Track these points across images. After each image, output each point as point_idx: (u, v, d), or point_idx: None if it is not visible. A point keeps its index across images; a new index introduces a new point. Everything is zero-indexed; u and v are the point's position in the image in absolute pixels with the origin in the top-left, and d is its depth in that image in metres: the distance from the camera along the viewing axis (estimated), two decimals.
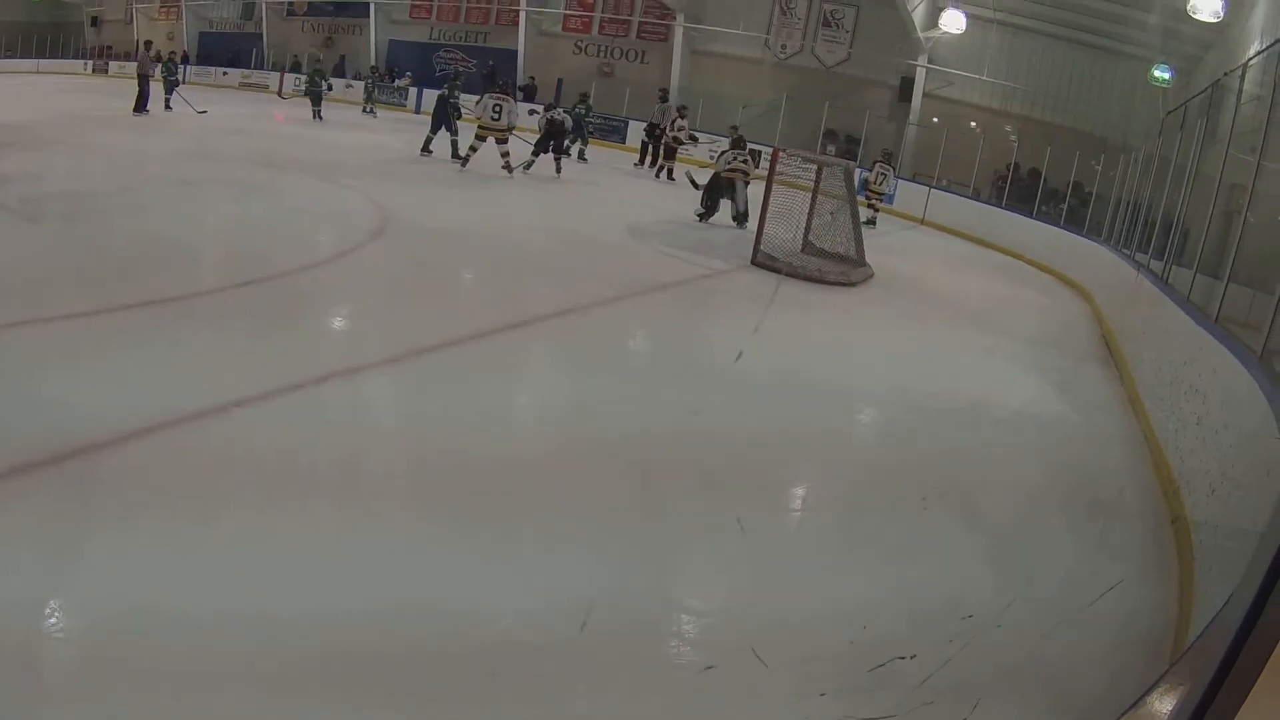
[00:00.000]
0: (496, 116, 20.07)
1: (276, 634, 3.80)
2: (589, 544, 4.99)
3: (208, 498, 4.78)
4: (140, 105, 26.15)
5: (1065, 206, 24.84)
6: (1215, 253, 8.86)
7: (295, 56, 45.81)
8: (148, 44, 32.33)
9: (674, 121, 25.94)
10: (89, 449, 5.01)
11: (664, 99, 29.48)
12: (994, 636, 4.73)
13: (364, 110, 35.56)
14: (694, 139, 26.56)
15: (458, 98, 22.31)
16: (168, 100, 28.42)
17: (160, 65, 29.67)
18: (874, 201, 24.55)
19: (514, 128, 20.32)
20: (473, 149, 20.42)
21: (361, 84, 38.04)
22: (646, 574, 4.83)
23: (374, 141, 23.11)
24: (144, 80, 26.98)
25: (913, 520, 6.01)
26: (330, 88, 32.23)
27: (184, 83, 29.86)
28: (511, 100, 20.51)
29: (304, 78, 30.33)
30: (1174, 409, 7.91)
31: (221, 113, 27.63)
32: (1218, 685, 1.76)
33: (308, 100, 30.76)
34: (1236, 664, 1.76)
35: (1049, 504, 6.92)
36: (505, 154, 20.23)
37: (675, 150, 26.14)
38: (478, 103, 20.56)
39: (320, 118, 29.52)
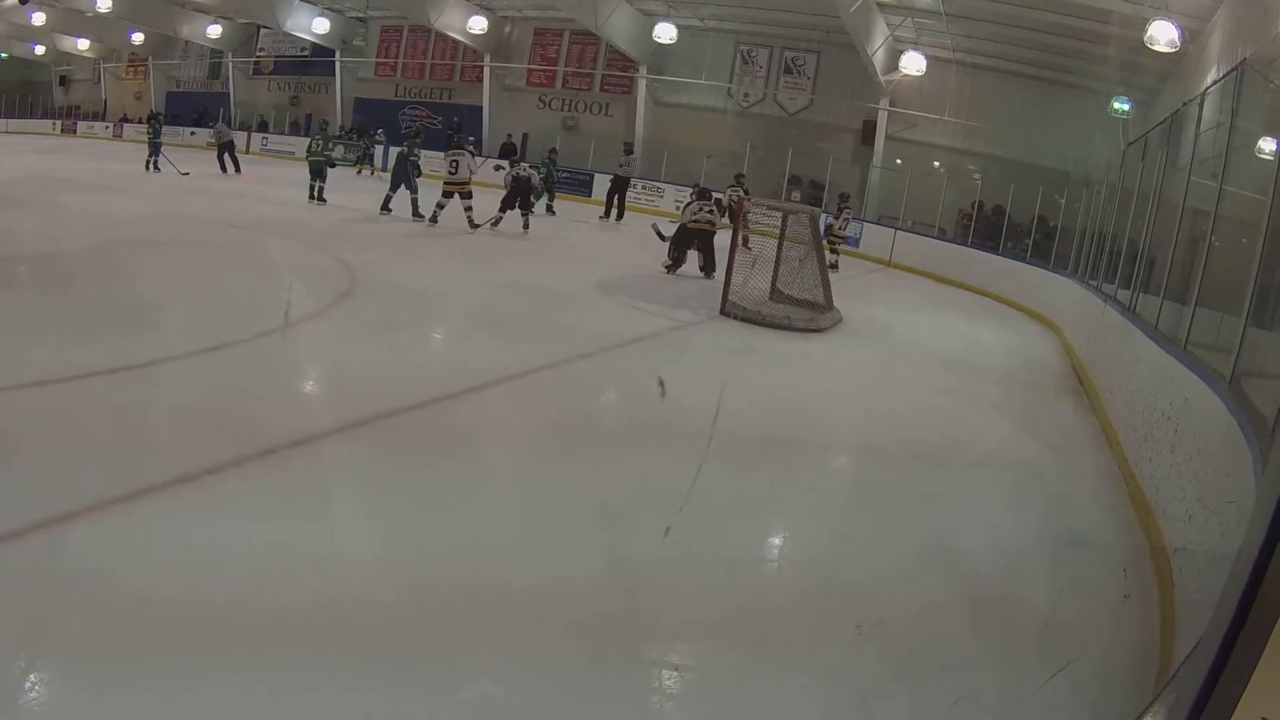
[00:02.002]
0: (454, 171, 20.17)
1: None
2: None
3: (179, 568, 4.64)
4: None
5: (1030, 242, 24.93)
6: (1181, 279, 8.84)
7: (262, 115, 45.98)
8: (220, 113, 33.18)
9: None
10: (62, 518, 4.91)
11: (629, 151, 29.59)
12: (977, 679, 4.68)
13: (359, 173, 35.55)
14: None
15: (418, 155, 22.24)
16: (154, 161, 28.65)
17: (147, 126, 30.26)
18: (835, 246, 24.47)
19: (471, 176, 20.38)
20: (439, 206, 20.55)
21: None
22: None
23: (336, 201, 22.92)
24: (227, 146, 30.09)
25: (890, 577, 5.89)
26: (334, 164, 24.62)
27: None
28: (466, 154, 20.52)
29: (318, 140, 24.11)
30: (1147, 438, 7.88)
31: (193, 172, 27.68)
32: (1199, 712, 1.84)
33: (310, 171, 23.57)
34: (1215, 692, 1.84)
35: (1026, 543, 6.86)
36: (468, 209, 20.32)
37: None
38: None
39: (321, 199, 23.01)
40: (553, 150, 29.68)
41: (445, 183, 20.51)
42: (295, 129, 44.14)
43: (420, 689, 3.97)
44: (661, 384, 8.24)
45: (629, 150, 29.88)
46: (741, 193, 24.43)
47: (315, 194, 23.05)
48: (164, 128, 30.64)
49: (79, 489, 5.25)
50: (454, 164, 20.21)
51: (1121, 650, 5.25)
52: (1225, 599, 1.95)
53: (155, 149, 28.89)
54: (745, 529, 6.42)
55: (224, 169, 29.33)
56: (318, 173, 23.03)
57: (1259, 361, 5.79)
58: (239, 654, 3.99)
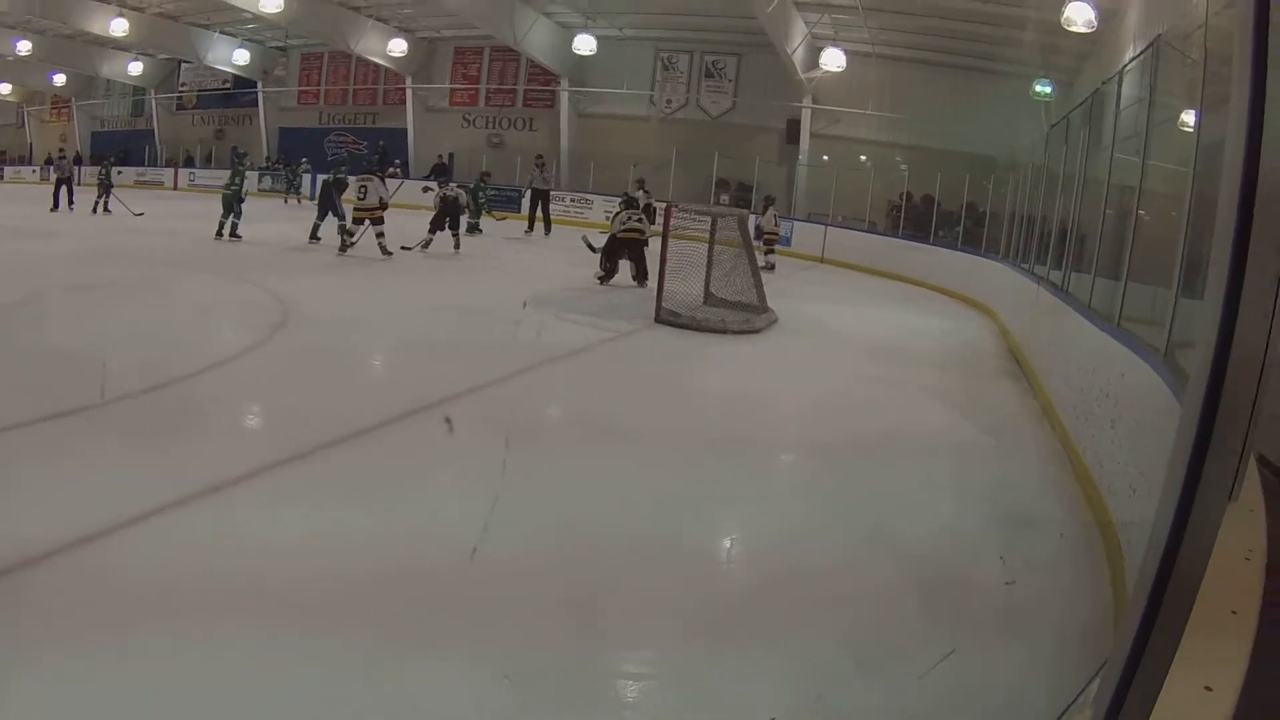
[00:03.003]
0: (363, 196, 19.73)
1: None
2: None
3: (126, 618, 4.51)
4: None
5: (961, 229, 25.11)
6: (1112, 256, 8.87)
7: (188, 150, 45.50)
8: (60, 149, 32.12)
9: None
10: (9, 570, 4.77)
11: (540, 165, 29.43)
12: (931, 663, 4.64)
13: (285, 202, 35.42)
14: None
15: (346, 182, 21.99)
16: (104, 203, 28.41)
17: (99, 169, 30.12)
18: (773, 247, 24.61)
19: (386, 205, 19.95)
20: (349, 233, 20.06)
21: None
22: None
23: (264, 232, 22.45)
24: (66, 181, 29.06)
25: (842, 569, 5.85)
26: (241, 198, 22.41)
27: (79, 184, 29.50)
28: (376, 179, 20.10)
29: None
30: (1087, 415, 7.91)
31: (119, 211, 27.53)
32: (1132, 670, 1.99)
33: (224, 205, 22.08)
34: (1145, 654, 1.98)
35: (974, 528, 6.83)
36: (380, 234, 19.74)
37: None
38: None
39: (233, 234, 21.70)
40: (485, 174, 29.63)
41: (355, 209, 20.06)
42: (208, 162, 43.93)
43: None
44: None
45: (540, 164, 29.67)
46: (648, 197, 25.23)
47: (221, 230, 21.70)
48: (85, 168, 30.06)
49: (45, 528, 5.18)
50: (363, 189, 19.71)
51: (1076, 625, 5.28)
52: (1140, 580, 2.02)
53: (106, 190, 28.62)
54: (693, 528, 6.38)
55: (56, 205, 28.56)
56: (226, 207, 21.90)
57: (1192, 332, 5.79)
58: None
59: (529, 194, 29.49)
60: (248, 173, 23.96)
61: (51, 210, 27.97)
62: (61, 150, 32.88)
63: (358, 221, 19.99)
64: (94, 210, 27.99)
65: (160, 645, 4.28)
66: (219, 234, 21.65)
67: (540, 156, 30.39)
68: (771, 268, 23.26)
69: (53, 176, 30.64)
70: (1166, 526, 2.00)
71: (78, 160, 44.23)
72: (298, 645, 4.45)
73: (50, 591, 4.72)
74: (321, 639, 4.50)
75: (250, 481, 6.49)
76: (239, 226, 21.87)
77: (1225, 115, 2.17)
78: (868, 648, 4.85)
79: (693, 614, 5.07)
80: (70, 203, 28.54)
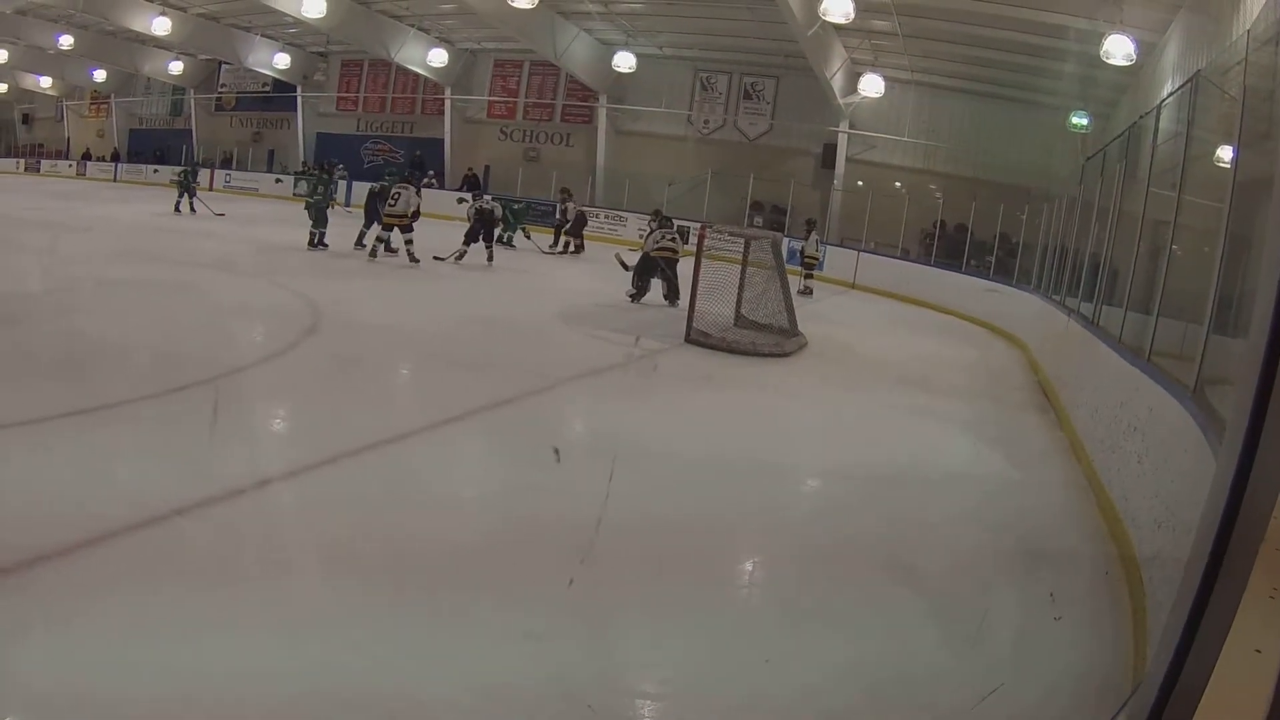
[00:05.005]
0: (394, 203, 19.93)
1: None
2: (535, 634, 4.76)
3: (150, 607, 4.51)
4: None
5: (993, 258, 25.07)
6: (1144, 290, 8.84)
7: (225, 151, 45.72)
8: None
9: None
10: (27, 563, 4.74)
11: (566, 198, 29.34)
12: (952, 694, 4.62)
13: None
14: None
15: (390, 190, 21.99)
16: (191, 204, 28.88)
17: (180, 172, 30.41)
18: (810, 271, 24.70)
19: (416, 213, 20.11)
20: (379, 240, 20.27)
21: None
22: (595, 663, 4.63)
23: (299, 237, 22.16)
24: None
25: (858, 595, 5.83)
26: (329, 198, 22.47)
27: (116, 180, 29.45)
28: (411, 187, 20.36)
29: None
30: (1114, 450, 7.86)
31: (151, 210, 27.74)
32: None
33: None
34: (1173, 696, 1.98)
35: (994, 561, 6.79)
36: (409, 242, 19.91)
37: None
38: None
39: (323, 244, 21.36)
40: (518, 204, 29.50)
41: (384, 215, 20.29)
42: (227, 164, 44.68)
43: None
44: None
45: (564, 196, 29.52)
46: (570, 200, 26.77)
47: (312, 240, 21.35)
48: (123, 166, 29.80)
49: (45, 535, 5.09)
50: (395, 196, 20.00)
51: (1097, 659, 5.22)
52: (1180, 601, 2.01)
53: (191, 192, 29.02)
54: (709, 550, 6.34)
55: None
56: (315, 217, 21.47)
57: (1222, 368, 5.77)
58: None
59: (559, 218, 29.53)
60: (311, 180, 23.66)
61: None
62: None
63: (388, 229, 20.17)
64: (176, 210, 28.48)
65: (186, 622, 4.29)
66: (310, 245, 21.31)
67: (565, 189, 30.27)
68: (809, 292, 23.33)
69: None
70: (1201, 565, 1.98)
71: (115, 157, 44.60)
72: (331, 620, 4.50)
73: (65, 585, 4.68)
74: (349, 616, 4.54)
75: (270, 486, 6.49)
76: (324, 236, 21.54)
77: (1263, 152, 2.17)
78: (883, 682, 4.78)
79: (698, 634, 5.03)
80: None
